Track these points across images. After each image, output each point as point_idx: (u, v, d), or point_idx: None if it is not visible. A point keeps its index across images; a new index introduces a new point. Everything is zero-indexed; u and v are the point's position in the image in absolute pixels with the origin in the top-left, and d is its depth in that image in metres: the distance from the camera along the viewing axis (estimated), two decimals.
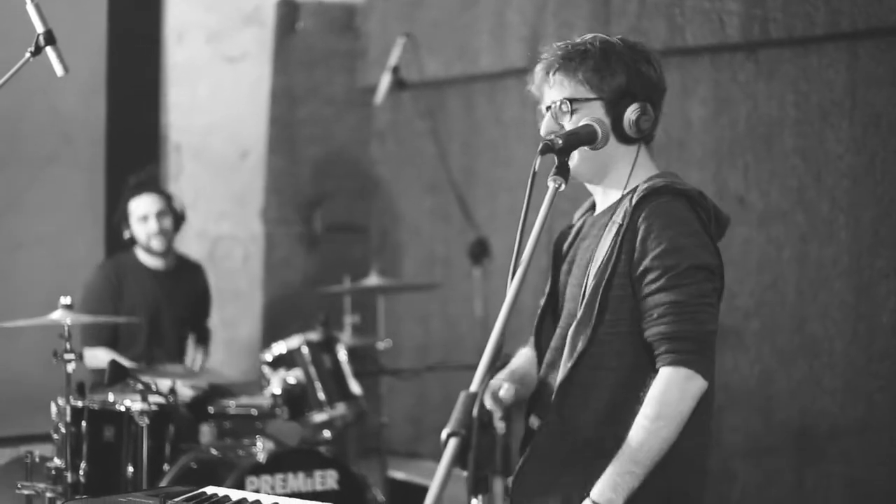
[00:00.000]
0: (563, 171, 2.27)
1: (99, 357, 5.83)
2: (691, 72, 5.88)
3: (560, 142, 2.46)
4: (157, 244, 6.11)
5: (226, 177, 7.41)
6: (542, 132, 3.01)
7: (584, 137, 2.68)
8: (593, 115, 2.97)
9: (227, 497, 2.90)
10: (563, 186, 2.65)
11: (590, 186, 3.14)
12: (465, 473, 2.01)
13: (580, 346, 2.90)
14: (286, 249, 7.53)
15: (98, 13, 6.88)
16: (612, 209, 3.03)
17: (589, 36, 3.08)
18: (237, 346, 7.39)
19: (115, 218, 6.16)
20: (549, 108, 3.04)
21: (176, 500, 2.86)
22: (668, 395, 2.81)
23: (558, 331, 3.06)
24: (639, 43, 3.12)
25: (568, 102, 2.99)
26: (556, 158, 2.34)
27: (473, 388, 1.98)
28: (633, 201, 2.93)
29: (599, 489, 2.73)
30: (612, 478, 2.74)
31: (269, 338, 6.98)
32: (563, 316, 3.08)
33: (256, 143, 7.53)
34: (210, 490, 2.95)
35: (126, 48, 7.00)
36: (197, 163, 7.24)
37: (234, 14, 7.46)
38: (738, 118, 5.74)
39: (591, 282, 2.93)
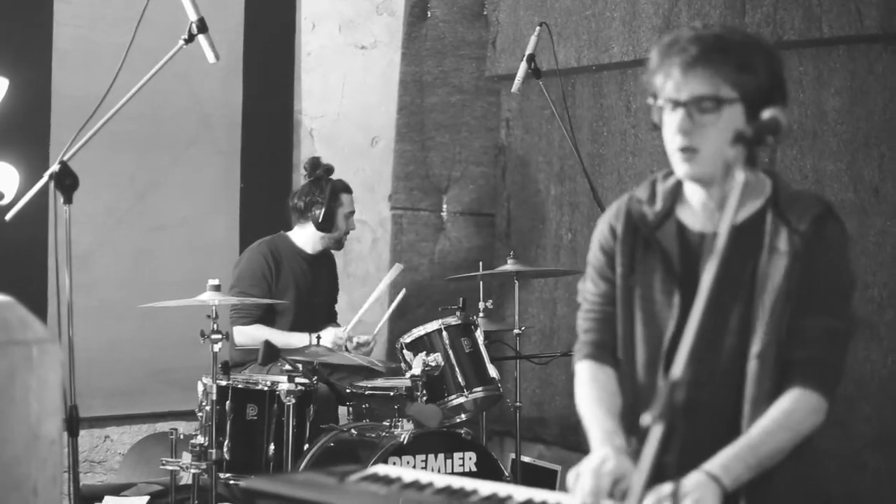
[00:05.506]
0: (753, 162, 2.26)
1: (250, 334, 5.95)
2: (827, 62, 5.85)
3: (751, 132, 2.40)
4: (344, 242, 6.36)
5: (356, 162, 7.52)
6: (677, 128, 2.83)
7: (771, 127, 2.48)
8: (732, 115, 2.80)
9: (399, 477, 2.90)
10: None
11: (698, 187, 2.94)
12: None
13: (767, 386, 2.84)
14: (413, 234, 7.62)
15: (236, 1, 7.02)
16: (752, 225, 2.91)
17: (719, 28, 2.90)
18: (364, 328, 7.48)
19: (305, 200, 6.21)
20: (681, 103, 2.83)
21: (352, 477, 2.87)
22: (797, 413, 2.81)
23: (718, 364, 2.89)
24: (766, 39, 2.98)
25: (714, 101, 2.80)
26: (743, 149, 2.30)
27: (676, 375, 2.02)
28: (805, 226, 2.85)
29: (713, 464, 2.73)
30: (726, 458, 2.74)
31: (395, 321, 7.07)
32: (705, 344, 2.70)
33: (386, 129, 7.63)
34: (381, 470, 2.95)
35: (262, 35, 7.14)
36: (328, 148, 7.34)
37: (366, 3, 7.58)
38: (874, 109, 5.70)
39: (766, 316, 2.84)
